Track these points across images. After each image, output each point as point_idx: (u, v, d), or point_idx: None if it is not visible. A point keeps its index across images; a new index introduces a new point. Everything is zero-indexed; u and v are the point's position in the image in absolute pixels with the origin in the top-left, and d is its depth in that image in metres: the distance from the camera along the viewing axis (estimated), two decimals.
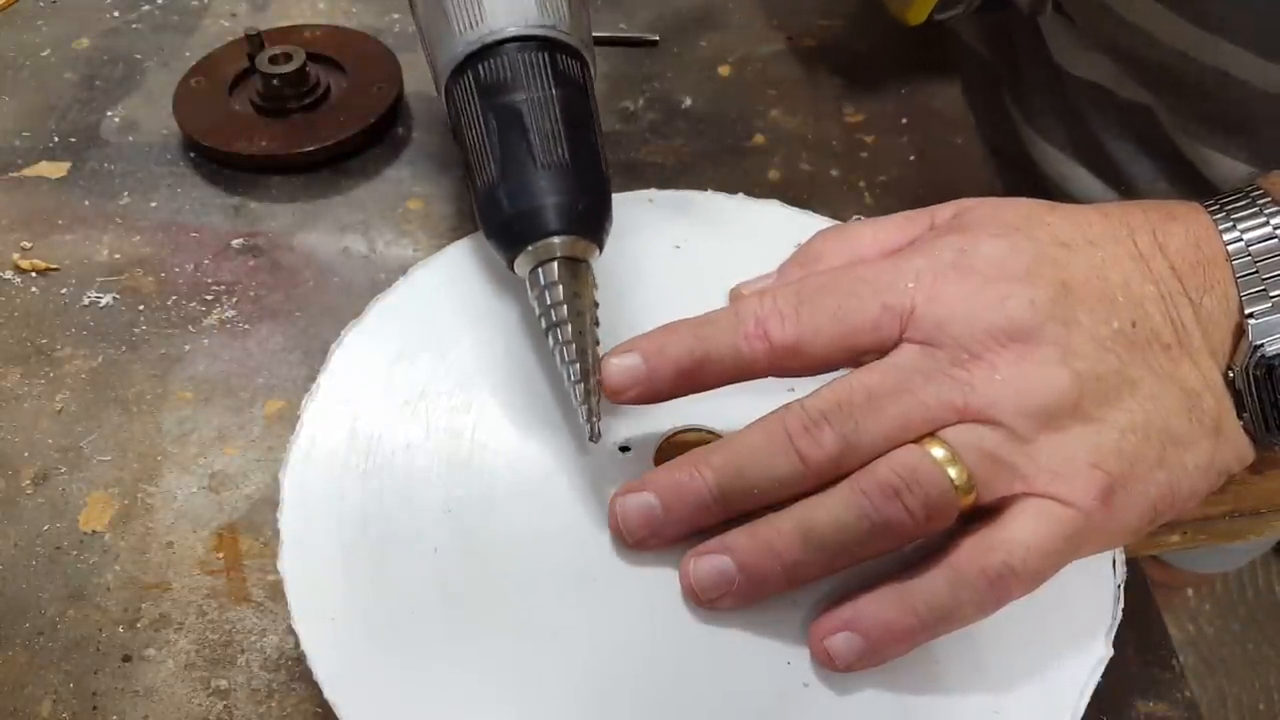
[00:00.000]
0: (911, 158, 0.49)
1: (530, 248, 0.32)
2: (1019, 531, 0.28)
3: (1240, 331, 0.29)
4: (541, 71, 0.33)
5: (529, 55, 0.33)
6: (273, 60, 0.47)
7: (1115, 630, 0.30)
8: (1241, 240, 0.30)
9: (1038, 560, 0.28)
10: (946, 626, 0.28)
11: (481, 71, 0.33)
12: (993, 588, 0.28)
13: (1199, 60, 0.42)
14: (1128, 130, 0.50)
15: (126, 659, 0.32)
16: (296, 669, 0.31)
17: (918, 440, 0.29)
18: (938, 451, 0.28)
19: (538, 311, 0.32)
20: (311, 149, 0.46)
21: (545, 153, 0.32)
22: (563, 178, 0.32)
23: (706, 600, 0.30)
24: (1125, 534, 0.30)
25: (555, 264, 0.32)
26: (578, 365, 0.31)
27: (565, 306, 0.32)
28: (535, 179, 0.32)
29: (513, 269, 0.33)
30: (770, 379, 0.33)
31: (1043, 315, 0.29)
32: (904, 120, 0.51)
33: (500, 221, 0.33)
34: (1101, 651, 0.30)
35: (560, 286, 0.32)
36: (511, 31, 0.33)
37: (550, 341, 0.32)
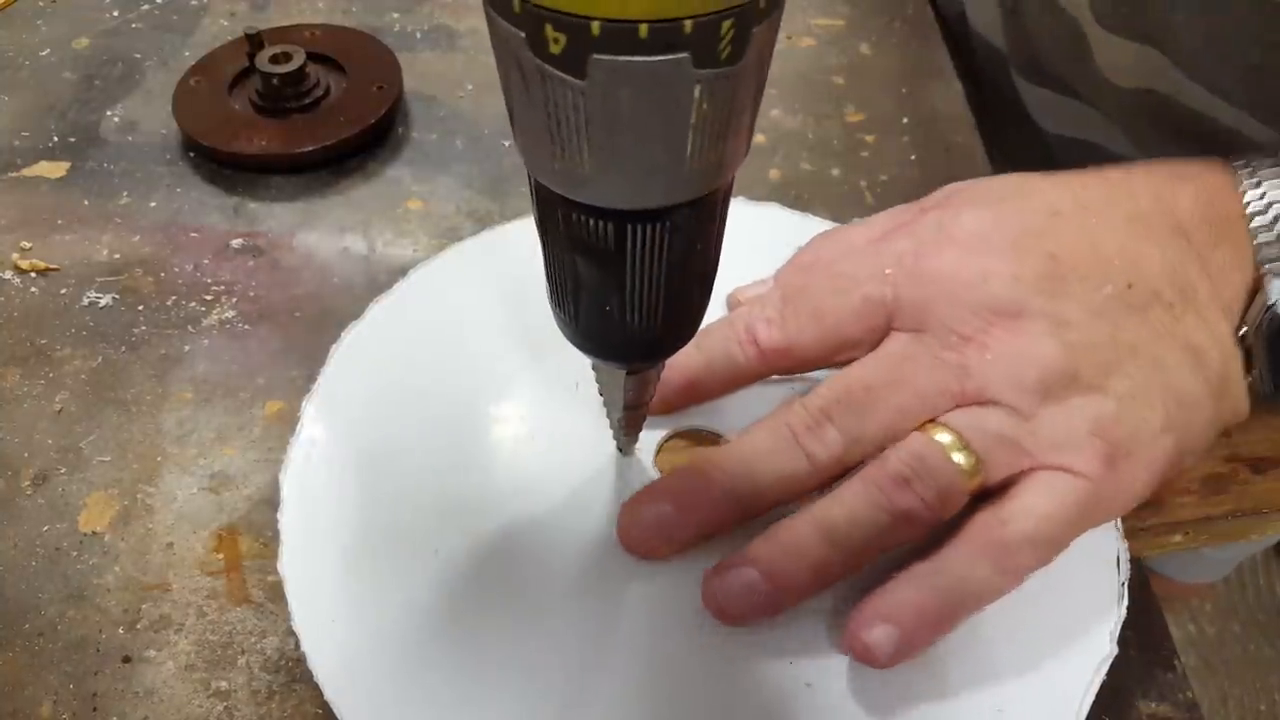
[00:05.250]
0: (912, 157, 0.49)
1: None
2: (1030, 503, 0.28)
3: (1255, 288, 0.29)
4: (715, 209, 0.23)
5: (719, 196, 0.23)
6: (272, 60, 0.47)
7: (1119, 628, 0.30)
8: (1264, 197, 0.29)
9: (1051, 528, 0.28)
10: (973, 604, 0.28)
11: (679, 218, 0.22)
12: (1011, 557, 0.28)
13: (1228, 130, 0.41)
14: None
15: (126, 660, 0.32)
16: (297, 670, 0.31)
17: (922, 427, 0.29)
18: (943, 437, 0.28)
19: (600, 387, 0.29)
20: (311, 149, 0.46)
21: (670, 305, 0.24)
22: (684, 313, 0.25)
23: (735, 616, 0.29)
24: (1135, 498, 0.29)
25: (636, 375, 0.28)
26: (624, 436, 0.31)
27: (634, 403, 0.29)
28: (670, 322, 0.25)
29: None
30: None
31: (1028, 289, 0.29)
32: (904, 120, 0.51)
33: (609, 354, 0.26)
34: (1106, 650, 0.30)
35: (633, 391, 0.28)
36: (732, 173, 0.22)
37: (606, 406, 0.30)
